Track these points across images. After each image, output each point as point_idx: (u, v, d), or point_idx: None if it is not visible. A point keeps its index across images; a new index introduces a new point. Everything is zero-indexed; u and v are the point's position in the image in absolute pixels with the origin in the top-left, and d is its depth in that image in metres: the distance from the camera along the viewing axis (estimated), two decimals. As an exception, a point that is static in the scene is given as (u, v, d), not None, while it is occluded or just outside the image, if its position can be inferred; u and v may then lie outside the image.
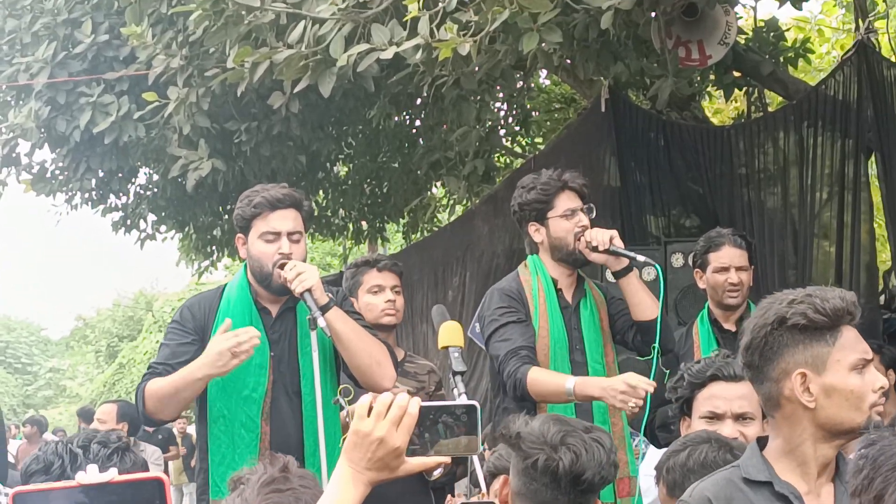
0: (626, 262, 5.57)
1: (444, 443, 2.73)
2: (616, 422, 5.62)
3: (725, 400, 4.29)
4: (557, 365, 5.60)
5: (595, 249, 5.54)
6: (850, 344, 3.26)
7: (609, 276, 6.39)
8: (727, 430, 4.19)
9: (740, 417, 4.27)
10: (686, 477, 3.84)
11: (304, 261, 5.27)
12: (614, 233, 5.58)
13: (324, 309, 5.02)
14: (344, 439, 5.20)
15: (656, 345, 5.48)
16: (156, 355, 5.46)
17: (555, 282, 5.73)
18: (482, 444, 3.68)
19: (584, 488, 3.57)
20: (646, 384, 5.15)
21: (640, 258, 5.53)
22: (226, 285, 5.51)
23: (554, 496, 3.55)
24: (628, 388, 5.23)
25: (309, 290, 5.02)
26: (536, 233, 5.74)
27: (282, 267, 5.11)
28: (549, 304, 5.66)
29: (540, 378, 5.51)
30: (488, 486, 4.15)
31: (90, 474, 2.62)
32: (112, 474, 2.62)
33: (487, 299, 5.85)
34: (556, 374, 5.56)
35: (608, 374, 5.63)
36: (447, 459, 2.69)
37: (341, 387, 5.21)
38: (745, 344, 3.34)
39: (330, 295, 5.16)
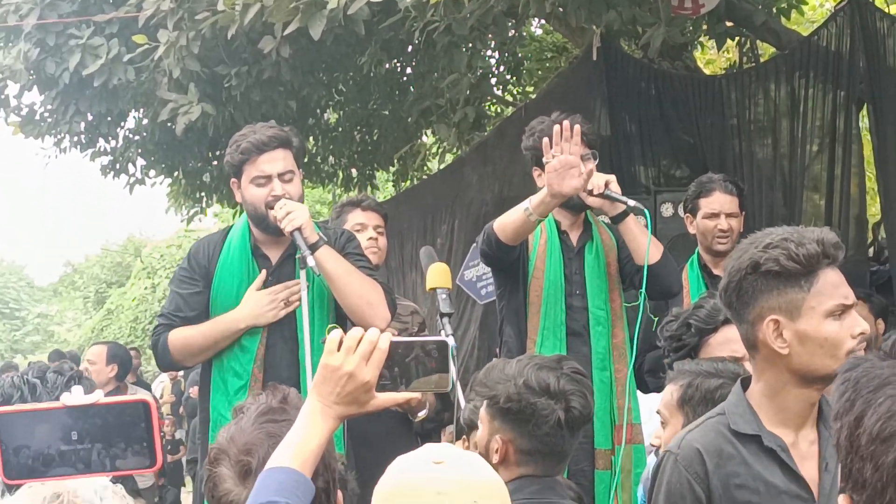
0: (622, 207, 5.54)
1: (414, 379, 2.72)
2: (620, 368, 5.61)
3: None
4: (550, 307, 5.60)
5: (591, 193, 5.52)
6: (827, 290, 3.20)
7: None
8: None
9: None
10: (703, 403, 3.83)
11: (301, 199, 5.27)
12: (611, 178, 5.55)
13: (313, 248, 5.01)
14: None
15: (642, 293, 5.47)
16: (166, 303, 5.50)
17: (558, 224, 5.72)
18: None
19: (589, 421, 3.75)
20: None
21: (632, 202, 5.50)
22: (231, 227, 5.52)
23: (569, 443, 3.63)
24: (560, 164, 5.28)
25: (299, 229, 5.02)
26: (539, 177, 5.72)
27: (273, 208, 5.12)
28: (549, 245, 5.66)
29: (502, 217, 5.56)
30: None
31: (75, 395, 2.61)
32: (98, 396, 2.62)
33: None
34: (513, 208, 5.57)
35: (613, 320, 5.65)
36: (417, 395, 2.68)
37: (330, 326, 5.20)
38: (723, 286, 3.31)
39: (321, 234, 5.15)
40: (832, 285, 3.20)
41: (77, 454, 2.59)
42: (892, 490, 1.83)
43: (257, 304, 5.19)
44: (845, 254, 3.32)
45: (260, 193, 5.20)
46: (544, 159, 5.40)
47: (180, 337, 5.27)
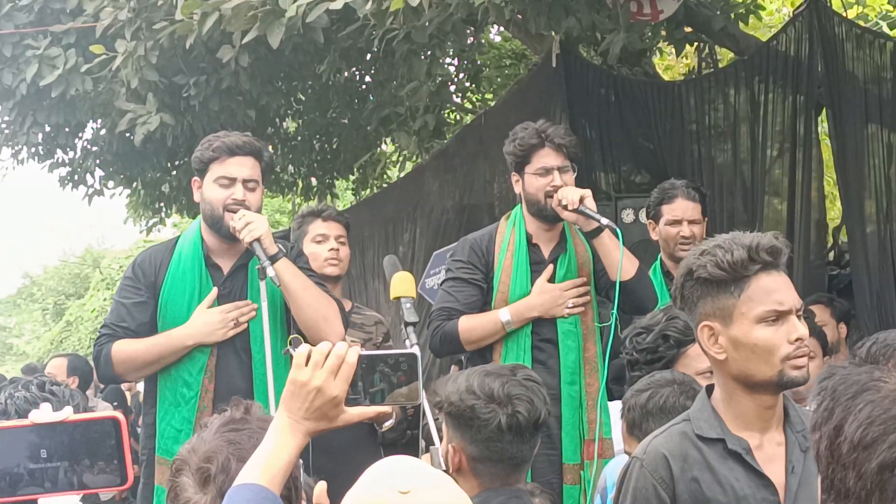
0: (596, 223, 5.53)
1: (383, 392, 2.71)
2: (591, 381, 5.60)
3: None
4: None
5: (565, 208, 5.50)
6: (758, 296, 3.21)
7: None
8: None
9: None
10: (645, 418, 3.87)
11: (260, 211, 5.25)
12: (587, 193, 5.51)
13: (272, 259, 4.99)
14: None
15: (614, 311, 5.45)
16: (110, 313, 5.43)
17: (530, 237, 5.69)
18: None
19: (538, 429, 3.64)
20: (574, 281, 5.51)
21: (604, 221, 5.47)
22: (179, 238, 5.47)
23: (518, 448, 3.58)
24: (563, 291, 5.33)
25: (258, 240, 4.99)
26: (517, 184, 5.71)
27: (233, 211, 5.09)
28: (515, 259, 5.64)
29: (471, 322, 5.58)
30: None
31: (44, 413, 2.58)
32: (67, 413, 2.58)
33: (458, 246, 5.89)
34: (487, 314, 5.58)
35: (584, 334, 5.64)
36: (388, 409, 2.65)
37: (291, 336, 5.18)
38: (672, 293, 3.36)
39: (280, 246, 5.13)
40: (763, 291, 3.21)
41: (46, 472, 2.56)
42: (876, 497, 1.82)
43: (207, 323, 5.16)
44: (807, 258, 3.34)
45: (221, 194, 5.19)
46: None
47: (124, 350, 5.21)
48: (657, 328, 4.45)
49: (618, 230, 5.53)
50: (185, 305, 5.22)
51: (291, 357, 5.06)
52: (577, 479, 5.46)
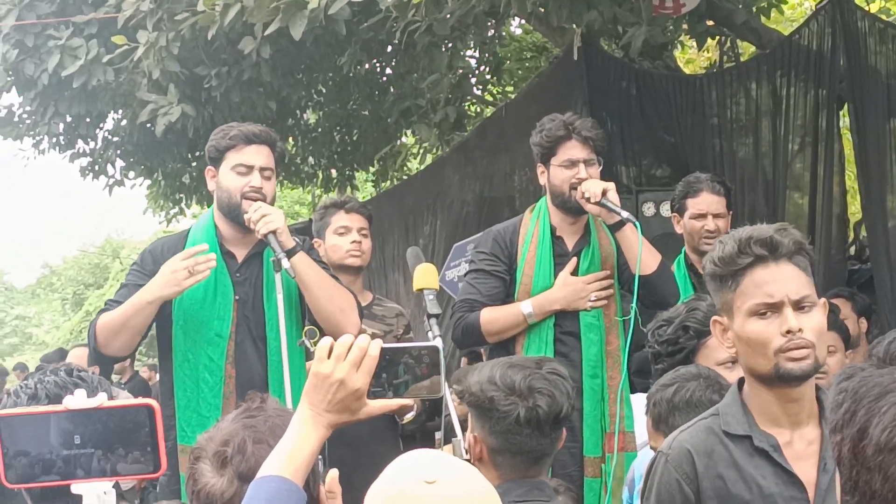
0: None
1: (406, 385, 2.71)
2: (614, 375, 5.57)
3: None
4: None
5: (588, 201, 5.48)
6: (749, 289, 3.19)
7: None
8: None
9: None
10: (671, 413, 3.85)
11: (273, 200, 5.27)
12: (610, 186, 5.46)
13: (290, 253, 4.99)
14: None
15: (634, 305, 5.43)
16: (115, 293, 5.40)
17: (554, 229, 5.68)
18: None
19: (561, 423, 3.59)
20: (598, 274, 5.55)
21: (625, 214, 5.42)
22: (190, 229, 5.47)
23: (538, 441, 3.53)
24: (586, 285, 5.41)
25: (274, 233, 4.99)
26: (542, 175, 5.68)
27: (251, 199, 5.09)
28: (539, 251, 5.62)
29: (493, 315, 5.57)
30: (464, 431, 4.15)
31: (78, 399, 2.58)
32: (101, 399, 2.59)
33: (482, 237, 5.88)
34: (509, 305, 5.58)
35: (607, 327, 5.63)
36: (409, 402, 2.66)
37: (306, 328, 5.16)
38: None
39: (297, 240, 5.13)
40: (754, 284, 3.19)
41: (79, 459, 2.56)
42: None
43: (161, 274, 5.04)
44: (828, 253, 3.32)
45: (239, 182, 5.19)
46: None
47: (102, 320, 5.16)
48: (677, 320, 4.45)
49: (637, 223, 5.49)
50: (200, 292, 5.19)
51: (306, 348, 5.10)
52: (597, 473, 5.44)
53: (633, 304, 5.43)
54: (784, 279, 3.20)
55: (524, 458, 3.55)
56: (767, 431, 3.23)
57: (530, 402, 3.50)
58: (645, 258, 5.47)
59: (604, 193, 5.41)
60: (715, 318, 3.27)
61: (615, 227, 5.50)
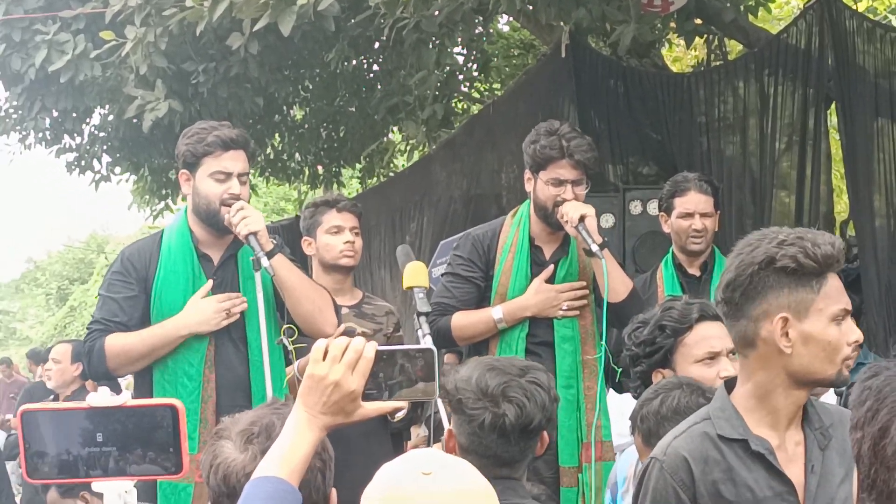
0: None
1: (400, 387, 2.71)
2: (590, 385, 5.57)
3: (719, 338, 4.19)
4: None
5: (566, 224, 5.47)
6: (834, 294, 3.16)
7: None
8: (727, 367, 4.13)
9: (731, 353, 4.17)
10: (660, 424, 3.81)
11: (248, 201, 5.27)
12: (590, 211, 5.41)
13: (269, 255, 5.00)
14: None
15: (603, 334, 5.46)
16: (98, 309, 5.34)
17: (532, 238, 5.67)
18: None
19: (532, 433, 3.54)
20: (572, 284, 5.54)
21: (594, 247, 5.35)
22: (163, 231, 5.44)
23: (504, 448, 3.49)
24: (559, 293, 5.43)
25: (254, 234, 4.99)
26: (528, 182, 5.66)
27: (229, 205, 5.09)
28: (517, 260, 5.61)
29: (463, 319, 5.59)
30: None
31: (102, 396, 2.57)
32: (125, 398, 2.58)
33: (461, 240, 5.86)
34: (480, 311, 5.59)
35: (583, 337, 5.61)
36: (404, 404, 2.65)
37: (285, 326, 5.17)
38: (728, 280, 3.23)
39: (274, 240, 5.13)
40: (837, 290, 3.17)
41: (101, 457, 2.55)
42: None
43: (200, 311, 5.11)
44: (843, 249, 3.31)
45: (218, 189, 5.15)
46: None
47: (118, 343, 5.15)
48: (653, 320, 4.43)
49: (602, 260, 5.39)
50: (179, 296, 5.18)
51: (285, 346, 5.13)
52: (573, 482, 5.44)
53: (603, 334, 5.48)
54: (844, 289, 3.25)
55: (490, 461, 3.49)
56: (760, 435, 3.23)
57: (500, 410, 3.45)
58: (616, 286, 5.47)
59: (581, 219, 5.37)
60: (782, 314, 3.21)
61: (589, 253, 5.46)
